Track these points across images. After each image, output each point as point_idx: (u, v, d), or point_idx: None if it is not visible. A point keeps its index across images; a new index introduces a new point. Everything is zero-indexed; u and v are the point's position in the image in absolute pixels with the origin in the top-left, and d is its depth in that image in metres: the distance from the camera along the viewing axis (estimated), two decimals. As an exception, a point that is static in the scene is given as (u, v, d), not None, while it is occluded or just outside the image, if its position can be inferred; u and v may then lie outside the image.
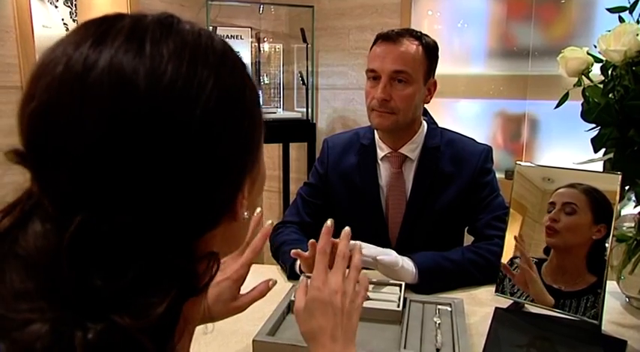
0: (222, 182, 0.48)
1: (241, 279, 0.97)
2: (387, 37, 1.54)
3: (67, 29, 2.54)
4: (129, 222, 0.42)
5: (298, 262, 1.47)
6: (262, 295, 0.99)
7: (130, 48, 0.43)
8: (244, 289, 0.98)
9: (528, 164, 1.30)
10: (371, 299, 1.27)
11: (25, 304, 0.41)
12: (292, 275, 1.48)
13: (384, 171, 1.66)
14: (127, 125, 0.41)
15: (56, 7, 2.48)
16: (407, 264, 1.39)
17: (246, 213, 0.53)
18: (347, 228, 0.96)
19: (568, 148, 2.59)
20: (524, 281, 1.25)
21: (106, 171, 0.42)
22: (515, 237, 1.28)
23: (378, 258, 1.35)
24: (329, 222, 0.97)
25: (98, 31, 0.45)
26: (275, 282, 1.02)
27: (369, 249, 1.37)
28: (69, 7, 2.55)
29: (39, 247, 0.43)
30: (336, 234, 1.47)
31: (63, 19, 2.52)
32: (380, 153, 1.66)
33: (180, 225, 0.45)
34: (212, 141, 0.46)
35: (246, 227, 0.59)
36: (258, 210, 0.89)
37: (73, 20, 2.58)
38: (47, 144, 0.42)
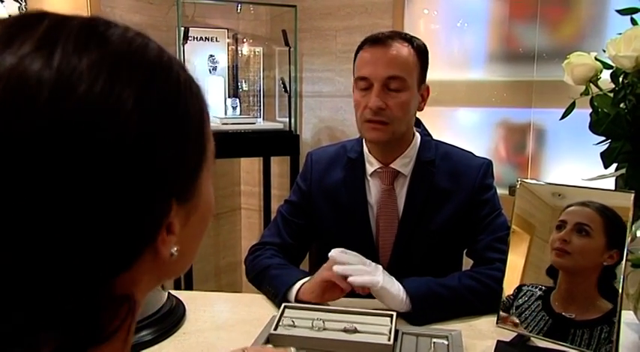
0: (131, 212, 0.46)
1: None
2: (376, 41, 1.54)
3: (17, 26, 2.50)
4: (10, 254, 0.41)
5: (295, 288, 1.47)
6: None
7: (38, 54, 0.43)
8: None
9: (533, 181, 1.30)
10: (358, 332, 1.26)
11: None
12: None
13: (373, 188, 1.66)
14: (21, 134, 0.41)
15: (2, 1, 2.44)
16: (392, 285, 1.39)
17: (175, 250, 0.52)
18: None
19: (579, 162, 2.59)
20: None
21: None
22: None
23: (349, 279, 1.36)
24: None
25: (8, 30, 0.45)
26: None
27: (343, 266, 1.39)
28: (17, 1, 2.51)
29: None
30: (324, 257, 1.48)
31: (10, 16, 2.49)
32: (369, 168, 1.66)
33: (70, 261, 0.43)
34: (121, 167, 0.44)
35: (180, 263, 0.56)
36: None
37: (23, 16, 2.55)
38: None
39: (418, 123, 1.74)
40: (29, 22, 0.46)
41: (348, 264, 1.40)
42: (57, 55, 0.43)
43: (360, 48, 1.59)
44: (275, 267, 1.57)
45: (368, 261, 1.43)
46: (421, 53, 1.57)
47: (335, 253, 1.41)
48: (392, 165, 1.63)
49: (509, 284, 1.29)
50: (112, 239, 0.45)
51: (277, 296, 1.49)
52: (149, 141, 0.46)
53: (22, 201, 0.40)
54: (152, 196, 0.47)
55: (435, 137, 1.77)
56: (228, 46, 3.36)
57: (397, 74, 1.51)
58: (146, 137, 0.46)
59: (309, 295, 1.44)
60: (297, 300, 1.45)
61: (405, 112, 1.54)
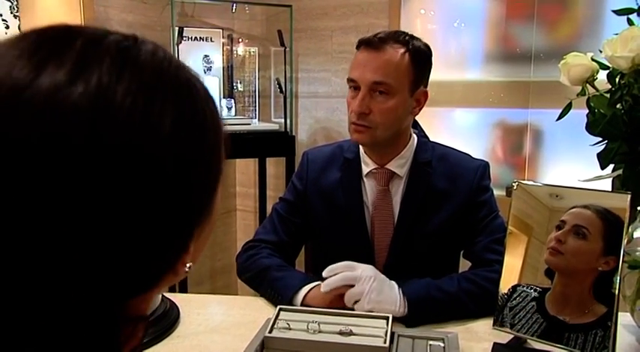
0: (166, 242, 0.46)
1: None
2: (369, 43, 1.53)
3: (7, 26, 2.49)
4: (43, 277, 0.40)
5: (302, 293, 1.46)
6: None
7: (75, 82, 0.42)
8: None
9: (530, 182, 1.30)
10: (354, 334, 1.26)
11: None
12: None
13: (369, 189, 1.66)
14: (61, 165, 0.40)
15: (-7, 0, 2.43)
16: (380, 299, 1.39)
17: (188, 265, 0.51)
18: None
19: (577, 163, 2.60)
20: None
21: (16, 198, 0.40)
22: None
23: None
24: None
25: (42, 48, 0.43)
26: None
27: (327, 281, 1.42)
28: (9, 0, 2.51)
29: None
30: (319, 257, 1.48)
31: (2, 15, 2.48)
32: (365, 169, 1.66)
33: (88, 285, 0.42)
34: (161, 198, 0.44)
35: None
36: None
37: (15, 16, 2.53)
38: None
39: (415, 125, 1.74)
40: (61, 41, 0.45)
41: (334, 280, 1.42)
42: (93, 82, 0.42)
43: (356, 47, 1.58)
44: (276, 269, 1.57)
45: (359, 270, 1.43)
46: (418, 56, 1.54)
47: (324, 287, 1.43)
48: (387, 166, 1.63)
49: (506, 286, 1.30)
50: (144, 266, 0.45)
51: (282, 300, 1.47)
52: (185, 167, 0.46)
53: (64, 228, 0.40)
54: (185, 224, 0.47)
55: (431, 138, 1.77)
56: (223, 46, 3.34)
57: (384, 80, 1.50)
58: (182, 164, 0.46)
59: (319, 300, 1.44)
60: (303, 304, 1.44)
61: (389, 118, 1.53)
